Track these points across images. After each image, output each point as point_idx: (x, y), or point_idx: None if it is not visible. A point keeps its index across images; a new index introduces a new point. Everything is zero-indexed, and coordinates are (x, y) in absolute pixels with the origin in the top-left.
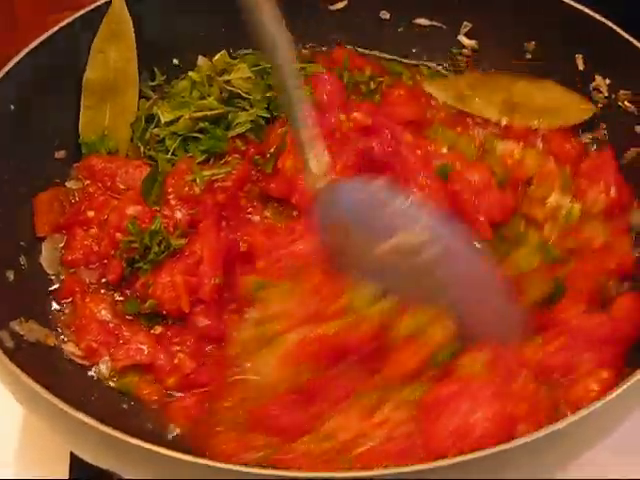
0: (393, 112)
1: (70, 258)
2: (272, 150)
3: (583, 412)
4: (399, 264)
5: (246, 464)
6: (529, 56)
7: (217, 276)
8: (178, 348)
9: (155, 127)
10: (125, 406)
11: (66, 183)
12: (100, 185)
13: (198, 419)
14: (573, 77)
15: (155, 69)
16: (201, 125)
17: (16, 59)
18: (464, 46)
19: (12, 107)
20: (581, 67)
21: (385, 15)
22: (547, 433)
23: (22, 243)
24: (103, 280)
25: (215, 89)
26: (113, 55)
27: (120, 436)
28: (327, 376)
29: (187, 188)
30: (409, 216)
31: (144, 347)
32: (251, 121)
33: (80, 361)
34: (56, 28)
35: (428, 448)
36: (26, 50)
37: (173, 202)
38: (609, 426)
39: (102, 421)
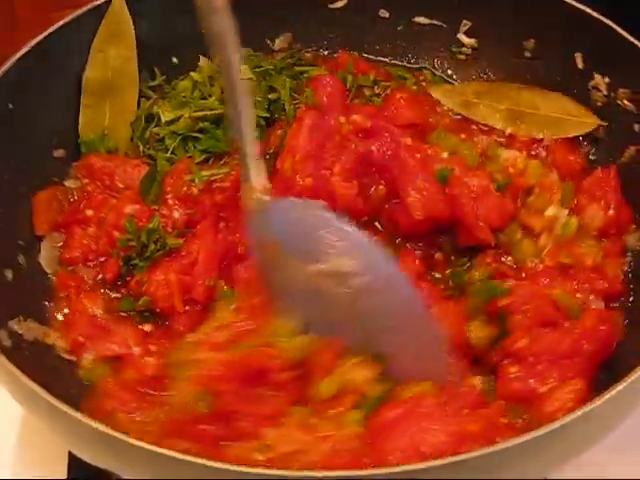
0: (394, 115)
1: (68, 256)
2: (271, 151)
3: (577, 413)
4: (325, 289)
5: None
6: (528, 55)
7: (211, 278)
8: (154, 348)
9: (155, 126)
10: None
11: (65, 182)
12: (99, 184)
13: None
14: (572, 76)
15: (155, 69)
16: (201, 125)
17: (14, 58)
18: (464, 44)
19: (11, 106)
20: (580, 66)
21: (384, 14)
22: (542, 433)
23: (21, 242)
24: (99, 277)
25: (216, 89)
26: (113, 54)
27: (119, 436)
28: (247, 397)
29: (185, 188)
30: (340, 242)
31: (126, 340)
32: None
33: (67, 356)
34: (55, 27)
35: (377, 466)
36: (25, 49)
37: (171, 202)
38: (608, 425)
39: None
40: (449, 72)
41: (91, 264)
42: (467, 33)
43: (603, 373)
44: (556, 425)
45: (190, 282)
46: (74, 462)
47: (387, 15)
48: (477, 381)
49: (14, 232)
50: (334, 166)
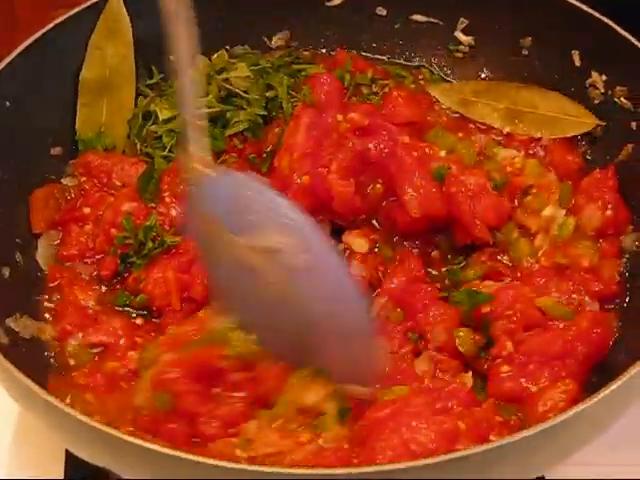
0: (392, 113)
1: (65, 254)
2: (269, 149)
3: (571, 412)
4: (259, 267)
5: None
6: (525, 52)
7: None
8: (140, 341)
9: (152, 124)
10: None
11: (62, 180)
12: (96, 182)
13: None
14: (569, 73)
15: (152, 67)
16: None
17: (11, 56)
18: (461, 42)
19: (8, 104)
20: (577, 63)
21: (382, 11)
22: (535, 433)
23: (18, 240)
24: (95, 274)
25: (214, 87)
26: (110, 52)
27: (117, 434)
28: (207, 398)
29: (183, 186)
30: (278, 220)
31: (114, 330)
32: (249, 120)
33: (54, 344)
34: (52, 25)
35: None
36: (22, 47)
37: (168, 199)
38: (601, 424)
39: None
40: (446, 70)
41: (88, 261)
42: (464, 31)
43: (596, 374)
44: (549, 424)
45: (188, 280)
46: (71, 462)
47: (384, 13)
48: (468, 378)
49: (11, 230)
50: (331, 164)
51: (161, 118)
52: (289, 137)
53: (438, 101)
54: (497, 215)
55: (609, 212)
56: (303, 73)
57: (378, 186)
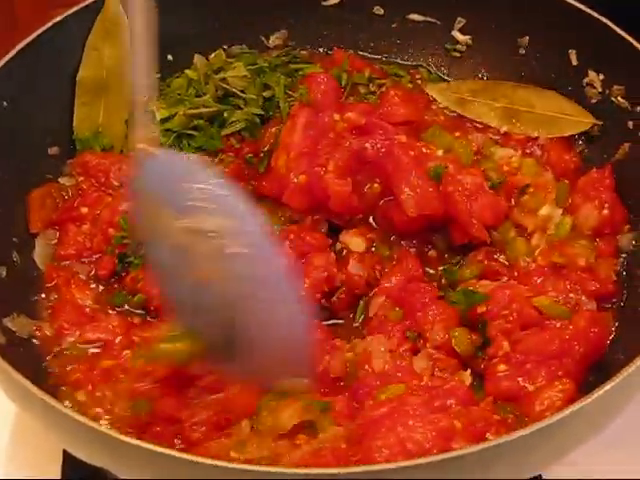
0: (389, 112)
1: (63, 254)
2: (266, 149)
3: (567, 411)
4: (194, 248)
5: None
6: (522, 51)
7: None
8: (137, 339)
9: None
10: None
11: (59, 179)
12: (94, 181)
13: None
14: (566, 72)
15: None
16: (195, 122)
17: (9, 56)
18: (458, 42)
19: (5, 104)
20: (574, 62)
21: (379, 11)
22: (532, 431)
23: (15, 239)
24: (93, 273)
25: (211, 87)
26: (107, 53)
27: (115, 434)
28: (184, 403)
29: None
30: (215, 201)
31: (111, 328)
32: (246, 119)
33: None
34: (49, 24)
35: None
36: (19, 47)
37: None
38: (598, 423)
39: None
40: (443, 69)
41: (86, 261)
42: (461, 30)
43: (593, 373)
44: (546, 423)
45: None
46: (68, 462)
47: (382, 12)
48: (467, 376)
49: (9, 229)
50: (328, 163)
51: (158, 117)
52: (286, 136)
53: (435, 100)
54: (494, 214)
55: (606, 211)
56: (300, 72)
57: (375, 185)
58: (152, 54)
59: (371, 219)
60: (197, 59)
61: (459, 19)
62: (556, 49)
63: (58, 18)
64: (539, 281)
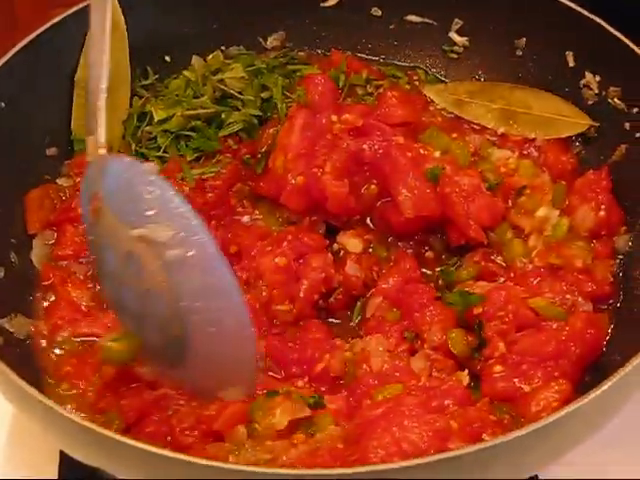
0: (387, 113)
1: (60, 254)
2: (263, 150)
3: (564, 412)
4: (140, 257)
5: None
6: (520, 53)
7: None
8: None
9: (147, 125)
10: None
11: (57, 180)
12: None
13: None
14: (563, 74)
15: (148, 67)
16: (193, 124)
17: (7, 56)
18: (455, 43)
19: (3, 104)
20: (571, 64)
21: (377, 12)
22: (528, 432)
23: (13, 240)
24: (89, 273)
25: (209, 88)
26: None
27: (112, 435)
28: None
29: (176, 187)
30: (162, 211)
31: (106, 325)
32: (243, 120)
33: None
34: (49, 24)
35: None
36: (17, 47)
37: None
38: (594, 424)
39: None
40: (441, 71)
41: (83, 261)
42: (459, 32)
43: (589, 374)
44: (542, 424)
45: None
46: (65, 462)
47: (379, 13)
48: (464, 377)
49: (6, 230)
50: (325, 165)
51: (156, 119)
52: (283, 138)
53: (432, 102)
54: (491, 215)
55: (602, 213)
56: (298, 74)
57: (372, 187)
58: (107, 59)
59: (368, 220)
60: (195, 60)
61: (456, 20)
62: (553, 51)
63: (57, 18)
64: (536, 282)
